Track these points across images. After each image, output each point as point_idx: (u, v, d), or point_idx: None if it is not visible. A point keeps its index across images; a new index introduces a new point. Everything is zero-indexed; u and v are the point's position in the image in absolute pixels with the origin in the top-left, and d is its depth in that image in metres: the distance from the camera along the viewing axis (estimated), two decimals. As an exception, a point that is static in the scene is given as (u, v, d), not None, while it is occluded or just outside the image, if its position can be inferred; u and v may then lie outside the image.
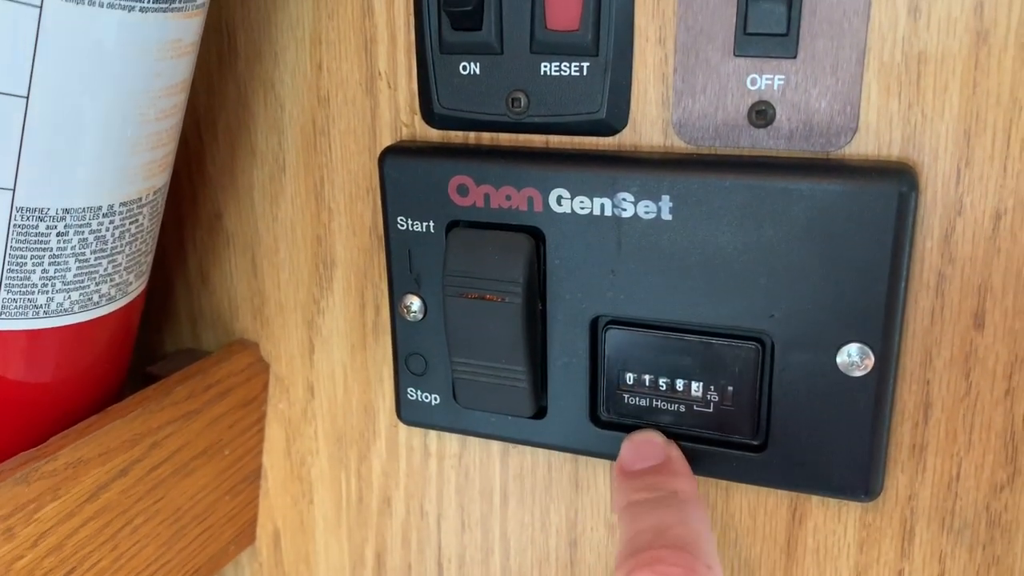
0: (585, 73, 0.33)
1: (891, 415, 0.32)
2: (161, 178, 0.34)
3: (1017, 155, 0.29)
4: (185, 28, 0.31)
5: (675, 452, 0.34)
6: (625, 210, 0.33)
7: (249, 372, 0.42)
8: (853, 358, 0.31)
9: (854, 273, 0.30)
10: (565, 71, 0.33)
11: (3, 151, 0.28)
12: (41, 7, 0.27)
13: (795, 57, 0.30)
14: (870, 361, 0.31)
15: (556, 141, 0.35)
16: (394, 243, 0.37)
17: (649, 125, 0.33)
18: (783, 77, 0.31)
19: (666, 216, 0.32)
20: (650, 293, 0.33)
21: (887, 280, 0.30)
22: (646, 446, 0.34)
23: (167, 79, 0.31)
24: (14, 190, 0.29)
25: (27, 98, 0.28)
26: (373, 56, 0.36)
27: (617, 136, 0.34)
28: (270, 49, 0.38)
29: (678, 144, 0.33)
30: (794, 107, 0.31)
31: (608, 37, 0.32)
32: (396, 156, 0.36)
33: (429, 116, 0.36)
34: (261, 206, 0.41)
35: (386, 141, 0.37)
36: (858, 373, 0.31)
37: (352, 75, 0.37)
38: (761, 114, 0.31)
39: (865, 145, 0.30)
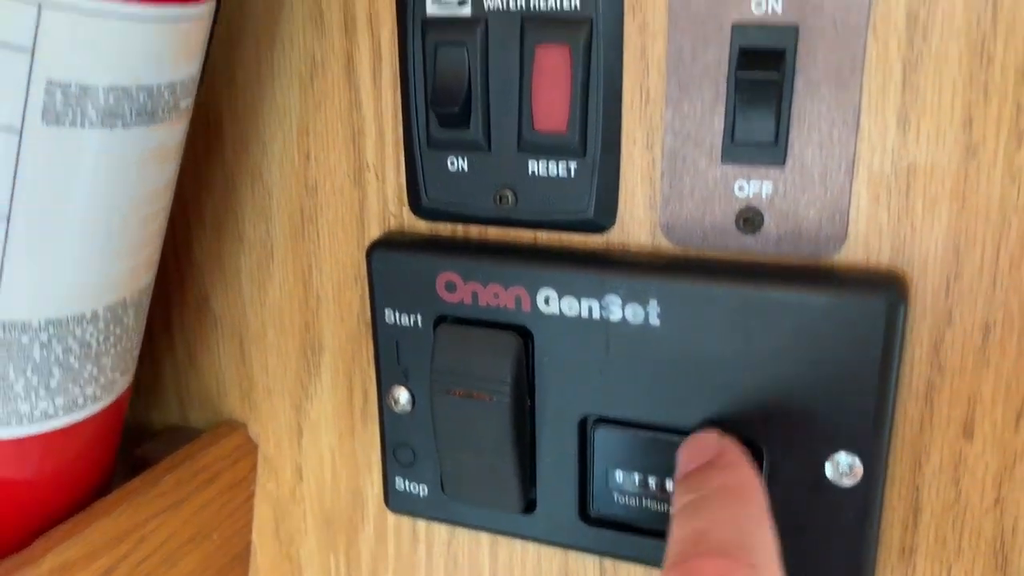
0: (572, 174, 0.33)
1: (880, 521, 0.31)
2: (146, 278, 0.34)
3: (1006, 270, 0.29)
4: (169, 134, 0.31)
5: (729, 444, 0.31)
6: (613, 313, 0.32)
7: (237, 454, 0.42)
8: (842, 467, 0.31)
9: (843, 382, 0.30)
10: (553, 170, 0.33)
11: (-16, 271, 0.28)
12: (21, 132, 0.26)
13: (783, 165, 0.30)
14: (859, 470, 0.30)
15: (545, 237, 0.34)
16: (382, 336, 0.36)
17: (637, 225, 0.33)
18: (771, 184, 0.31)
19: (654, 321, 0.32)
20: (639, 395, 0.33)
21: (876, 390, 0.30)
22: (698, 445, 0.31)
23: (151, 184, 0.31)
24: (-4, 306, 0.28)
25: (7, 219, 0.27)
26: (361, 148, 0.36)
27: (605, 234, 0.33)
28: (257, 139, 0.38)
29: (666, 245, 0.33)
30: (782, 214, 0.31)
31: (595, 140, 0.32)
32: (384, 250, 0.36)
33: (417, 208, 0.36)
34: (249, 291, 0.40)
35: (374, 231, 0.37)
36: (847, 483, 0.31)
37: (340, 165, 0.37)
38: (749, 221, 0.31)
39: (854, 254, 0.30)
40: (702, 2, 0.30)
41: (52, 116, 0.27)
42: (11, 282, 0.29)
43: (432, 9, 0.33)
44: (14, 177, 0.27)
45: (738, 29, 0.30)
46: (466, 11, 0.33)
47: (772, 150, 0.30)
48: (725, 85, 0.30)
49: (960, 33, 0.28)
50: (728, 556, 0.25)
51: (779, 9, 0.29)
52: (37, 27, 0.25)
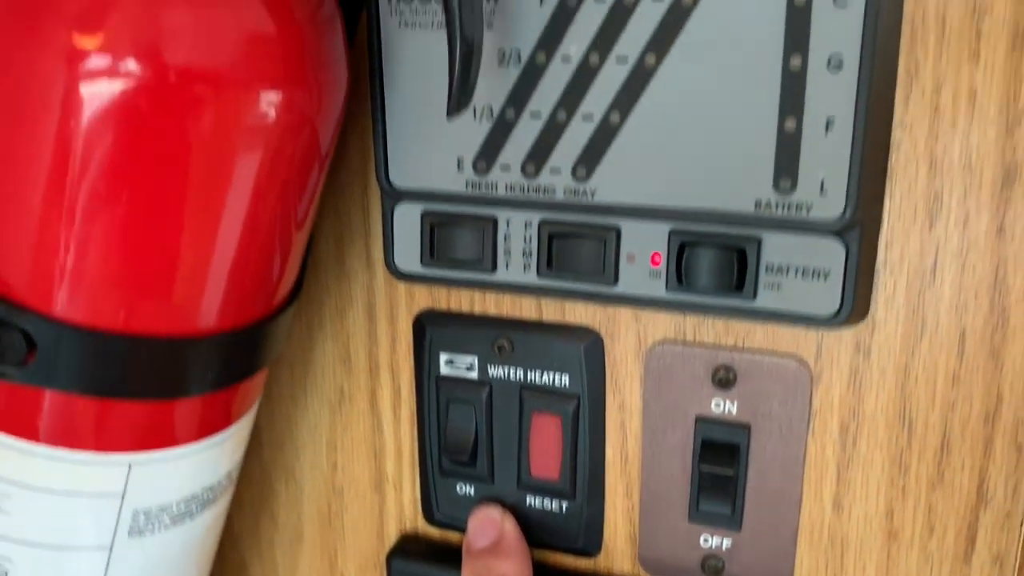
0: (564, 511, 0.39)
1: None
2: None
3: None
4: (226, 500, 0.37)
5: (509, 527, 0.38)
6: (598, 636, 0.38)
7: None
8: None
9: None
10: (548, 506, 0.39)
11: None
12: (111, 549, 0.32)
13: (740, 530, 0.36)
14: None
15: (539, 555, 0.40)
16: (400, 625, 0.42)
17: (620, 554, 0.39)
18: (731, 541, 0.36)
19: (633, 648, 0.38)
20: None
21: None
22: (483, 522, 0.38)
23: (212, 539, 0.37)
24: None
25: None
26: (381, 464, 0.42)
27: (593, 559, 0.39)
28: (291, 444, 0.44)
29: (644, 575, 0.39)
30: (741, 564, 0.37)
31: (583, 487, 0.38)
32: (402, 560, 0.41)
33: (430, 519, 0.41)
34: (283, 565, 0.46)
35: (391, 529, 0.43)
36: None
37: (363, 475, 0.43)
38: (712, 567, 0.37)
39: (799, 602, 0.36)
40: (670, 396, 0.36)
41: (136, 532, 0.32)
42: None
43: (445, 370, 0.39)
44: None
45: (701, 422, 0.36)
46: (473, 375, 0.39)
47: (730, 520, 0.36)
48: (691, 463, 0.36)
49: (883, 445, 0.34)
50: None
51: (734, 411, 0.35)
52: (127, 478, 0.31)
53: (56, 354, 0.29)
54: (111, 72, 0.26)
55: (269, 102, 0.29)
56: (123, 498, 0.31)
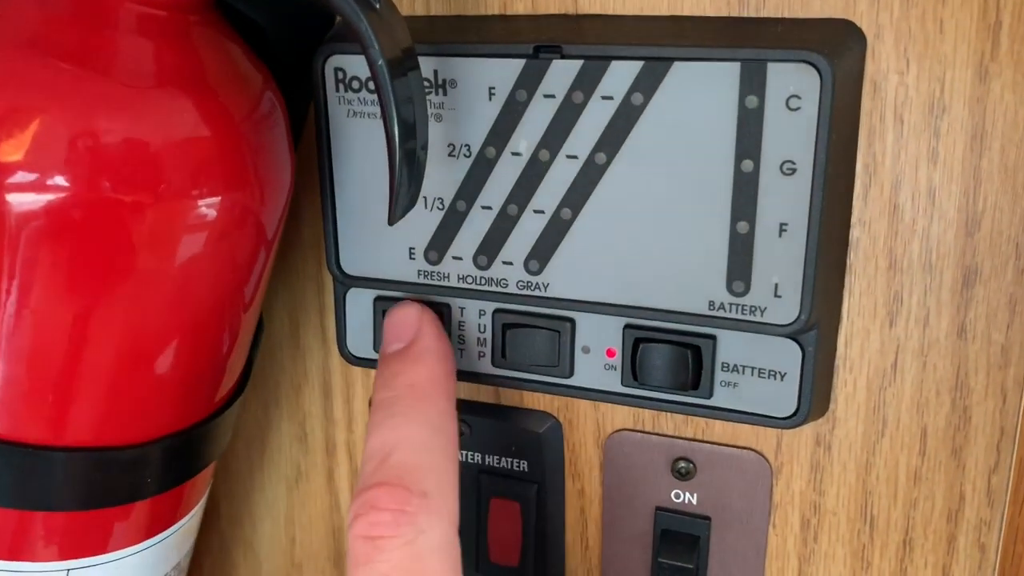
0: (526, 599, 0.38)
1: None
2: None
3: None
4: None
5: (427, 327, 0.32)
6: None
7: None
8: None
9: None
10: (508, 592, 0.38)
11: None
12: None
13: (701, 620, 0.35)
14: None
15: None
16: None
17: (582, 640, 0.38)
18: (692, 630, 0.36)
19: None
20: None
21: None
22: (399, 323, 0.32)
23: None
24: None
25: None
26: (340, 542, 0.41)
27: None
28: (249, 519, 0.43)
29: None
30: (702, 653, 0.36)
31: (543, 574, 0.37)
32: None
33: (390, 598, 0.41)
34: (243, 634, 0.45)
35: (353, 606, 0.42)
36: None
37: (322, 551, 0.42)
38: (674, 658, 0.36)
39: None
40: (630, 485, 0.35)
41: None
42: None
43: (402, 451, 0.38)
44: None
45: (660, 514, 0.35)
46: (431, 457, 0.38)
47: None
48: (651, 553, 0.35)
49: (845, 540, 0.33)
50: (404, 485, 0.27)
51: (695, 502, 0.34)
52: (66, 583, 0.30)
53: (-15, 470, 0.28)
54: (39, 187, 0.25)
55: (208, 205, 0.28)
56: (63, 605, 0.31)
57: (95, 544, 0.31)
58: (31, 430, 0.28)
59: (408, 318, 0.32)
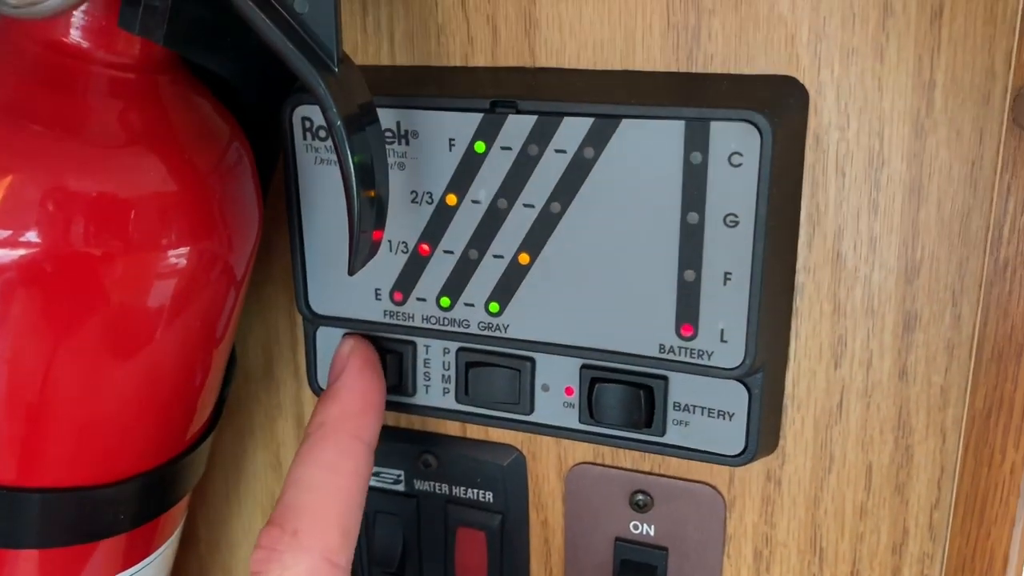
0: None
1: None
2: None
3: None
4: None
5: (354, 360, 0.33)
6: None
7: None
8: None
9: None
10: (475, 617, 0.39)
11: None
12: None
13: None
14: None
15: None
16: None
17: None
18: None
19: None
20: None
21: None
22: (335, 357, 0.34)
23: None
24: None
25: None
26: (315, 567, 0.42)
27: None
28: (227, 544, 0.44)
29: None
30: None
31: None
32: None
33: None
34: (222, 659, 0.46)
35: (327, 629, 0.43)
36: None
37: None
38: None
39: None
40: (590, 516, 0.36)
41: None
42: None
43: (373, 482, 0.39)
44: None
45: (620, 545, 0.36)
46: (400, 487, 0.39)
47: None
48: (612, 580, 0.37)
49: (795, 571, 0.34)
50: (279, 524, 0.30)
51: (652, 533, 0.36)
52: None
53: (-39, 510, 0.29)
54: (12, 243, 0.27)
55: (177, 255, 0.29)
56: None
57: (71, 578, 0.32)
58: (7, 472, 0.29)
59: (338, 355, 0.34)
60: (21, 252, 0.27)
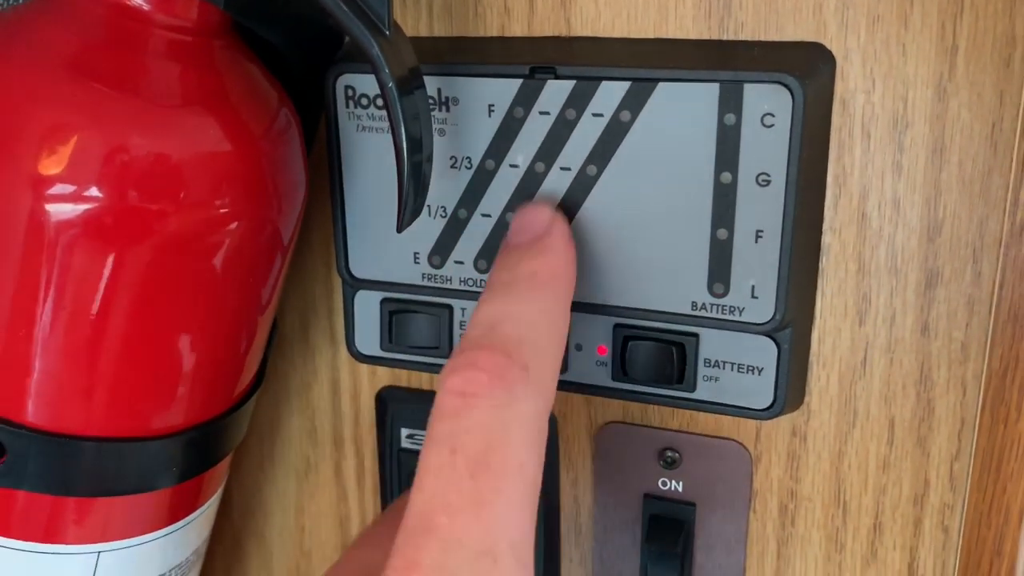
0: None
1: None
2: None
3: None
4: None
5: (558, 227, 0.31)
6: None
7: None
8: None
9: None
10: None
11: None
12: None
13: (686, 602, 0.38)
14: None
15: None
16: None
17: (574, 621, 0.40)
18: (678, 611, 0.38)
19: None
20: None
21: None
22: (531, 217, 0.32)
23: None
24: None
25: None
26: (347, 530, 0.44)
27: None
28: (261, 510, 0.45)
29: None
30: (688, 633, 0.38)
31: (539, 558, 0.40)
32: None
33: (394, 583, 0.43)
34: (254, 621, 0.48)
35: (359, 592, 0.44)
36: None
37: (329, 540, 0.44)
38: (662, 636, 0.39)
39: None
40: (620, 474, 0.38)
41: (105, 614, 0.34)
42: None
43: (406, 444, 0.41)
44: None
45: (648, 500, 0.37)
46: (433, 449, 0.40)
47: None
48: (640, 537, 0.38)
49: (820, 524, 0.36)
50: (506, 353, 0.27)
51: (680, 489, 0.37)
52: (96, 565, 0.33)
53: (26, 458, 0.30)
54: (76, 198, 0.28)
55: (230, 214, 0.30)
56: (93, 585, 0.33)
57: (123, 529, 0.33)
58: (67, 421, 0.30)
59: (541, 216, 0.32)
60: (85, 206, 0.28)
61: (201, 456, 0.34)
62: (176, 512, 0.35)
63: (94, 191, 0.28)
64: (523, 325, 0.28)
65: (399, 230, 0.30)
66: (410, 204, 0.30)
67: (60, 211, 0.28)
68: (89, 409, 0.31)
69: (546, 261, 0.30)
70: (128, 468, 0.32)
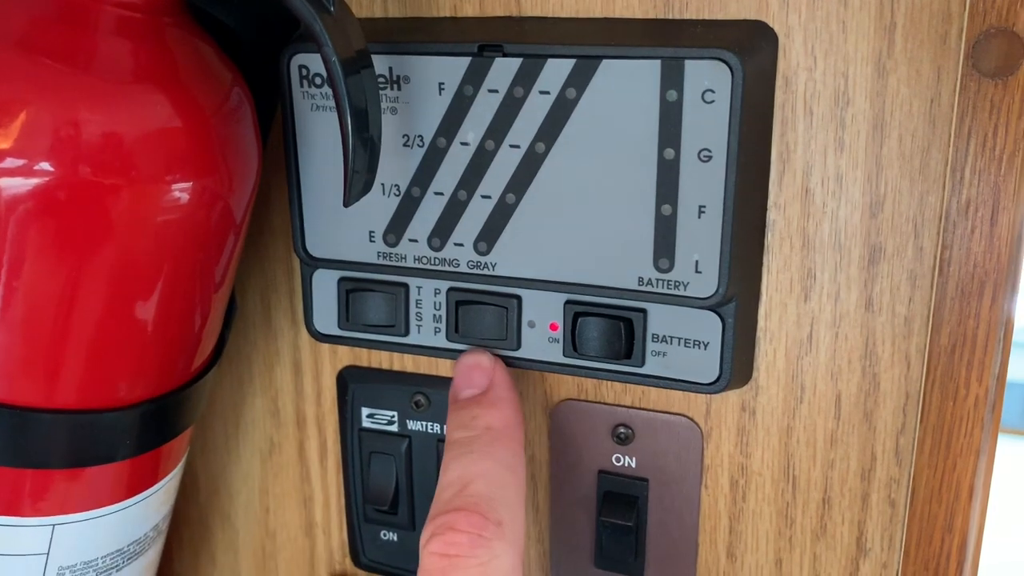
0: (481, 556, 0.41)
1: None
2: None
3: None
4: (155, 549, 0.39)
5: (500, 376, 0.34)
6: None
7: None
8: None
9: None
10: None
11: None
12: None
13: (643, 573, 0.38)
14: None
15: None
16: (329, 663, 0.44)
17: (534, 598, 0.41)
18: (634, 586, 0.39)
19: None
20: None
21: None
22: (473, 370, 0.35)
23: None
24: None
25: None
26: (311, 510, 0.44)
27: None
28: (226, 490, 0.46)
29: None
30: (643, 608, 0.39)
31: (498, 535, 0.40)
32: (330, 603, 0.43)
33: (357, 562, 0.44)
34: (220, 602, 0.48)
35: (322, 571, 0.45)
36: None
37: (293, 520, 0.45)
38: (617, 612, 0.39)
39: (698, 645, 0.38)
40: (574, 451, 0.38)
41: (62, 588, 0.34)
42: None
43: (367, 423, 0.41)
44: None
45: (603, 476, 0.38)
46: (394, 428, 0.41)
47: (632, 566, 0.38)
48: (595, 513, 0.38)
49: (770, 499, 0.36)
50: (481, 513, 0.30)
51: (633, 465, 0.37)
52: (51, 539, 0.33)
53: (-22, 430, 0.30)
54: (27, 172, 0.28)
55: (181, 189, 0.31)
56: (47, 556, 0.33)
57: (79, 502, 0.33)
58: (22, 393, 0.31)
59: (482, 365, 0.35)
60: (35, 181, 0.28)
61: (157, 429, 0.34)
62: (133, 486, 0.35)
63: (44, 165, 0.28)
64: (492, 483, 0.31)
65: (345, 204, 0.30)
66: (357, 180, 0.30)
67: (10, 185, 0.28)
68: (44, 381, 0.31)
69: (499, 413, 0.33)
70: (83, 440, 0.32)
